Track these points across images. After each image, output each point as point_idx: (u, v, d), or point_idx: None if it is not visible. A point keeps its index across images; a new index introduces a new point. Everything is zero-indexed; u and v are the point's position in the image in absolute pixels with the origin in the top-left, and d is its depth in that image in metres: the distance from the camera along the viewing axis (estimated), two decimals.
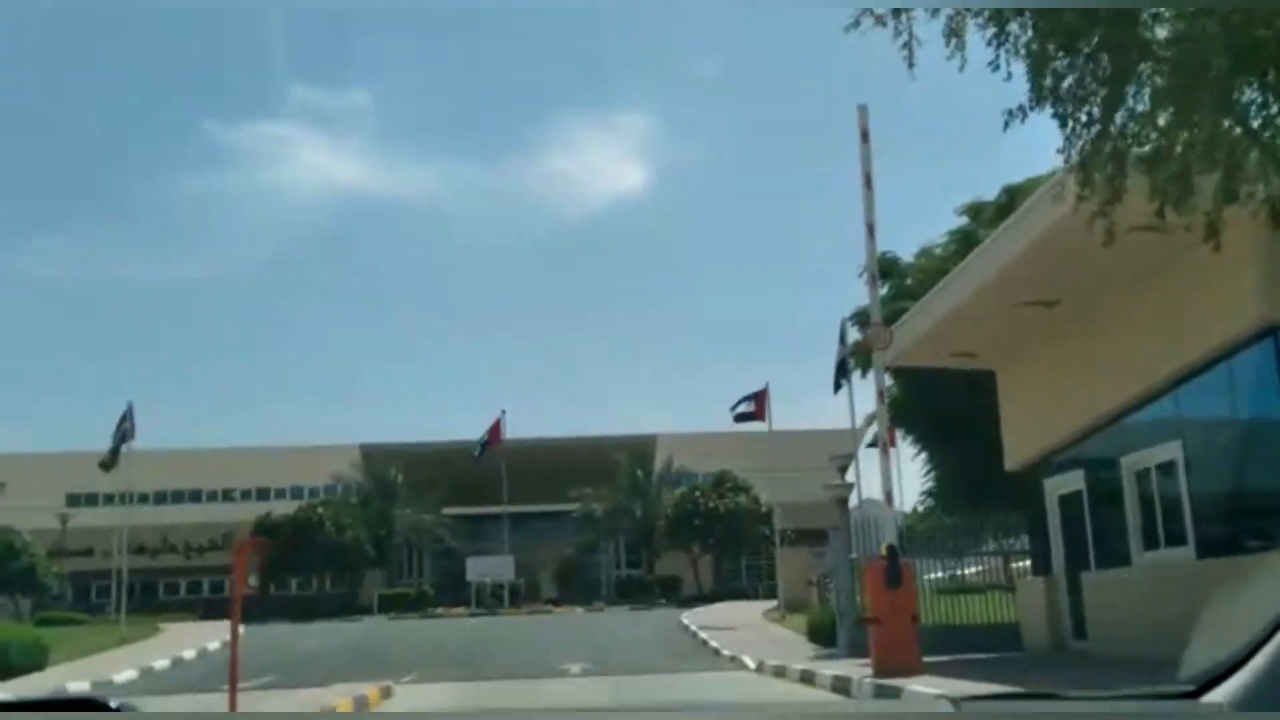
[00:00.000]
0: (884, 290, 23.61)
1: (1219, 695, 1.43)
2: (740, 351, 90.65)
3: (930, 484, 23.62)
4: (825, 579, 28.83)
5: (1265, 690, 1.36)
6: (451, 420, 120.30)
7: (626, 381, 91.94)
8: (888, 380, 24.91)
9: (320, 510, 49.77)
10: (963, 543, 20.65)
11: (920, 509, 24.90)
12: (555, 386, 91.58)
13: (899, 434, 24.13)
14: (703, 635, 24.14)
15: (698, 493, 50.36)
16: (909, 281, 23.42)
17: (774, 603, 36.36)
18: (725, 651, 20.66)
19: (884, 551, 14.41)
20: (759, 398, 28.46)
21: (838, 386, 22.93)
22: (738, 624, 27.09)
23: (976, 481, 20.54)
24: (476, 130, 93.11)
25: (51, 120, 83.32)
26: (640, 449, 55.53)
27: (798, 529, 53.74)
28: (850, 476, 27.85)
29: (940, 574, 20.91)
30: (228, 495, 68.16)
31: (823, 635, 21.30)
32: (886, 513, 18.08)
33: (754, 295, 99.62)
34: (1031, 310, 14.58)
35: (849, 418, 25.33)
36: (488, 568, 48.25)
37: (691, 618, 29.71)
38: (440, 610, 46.17)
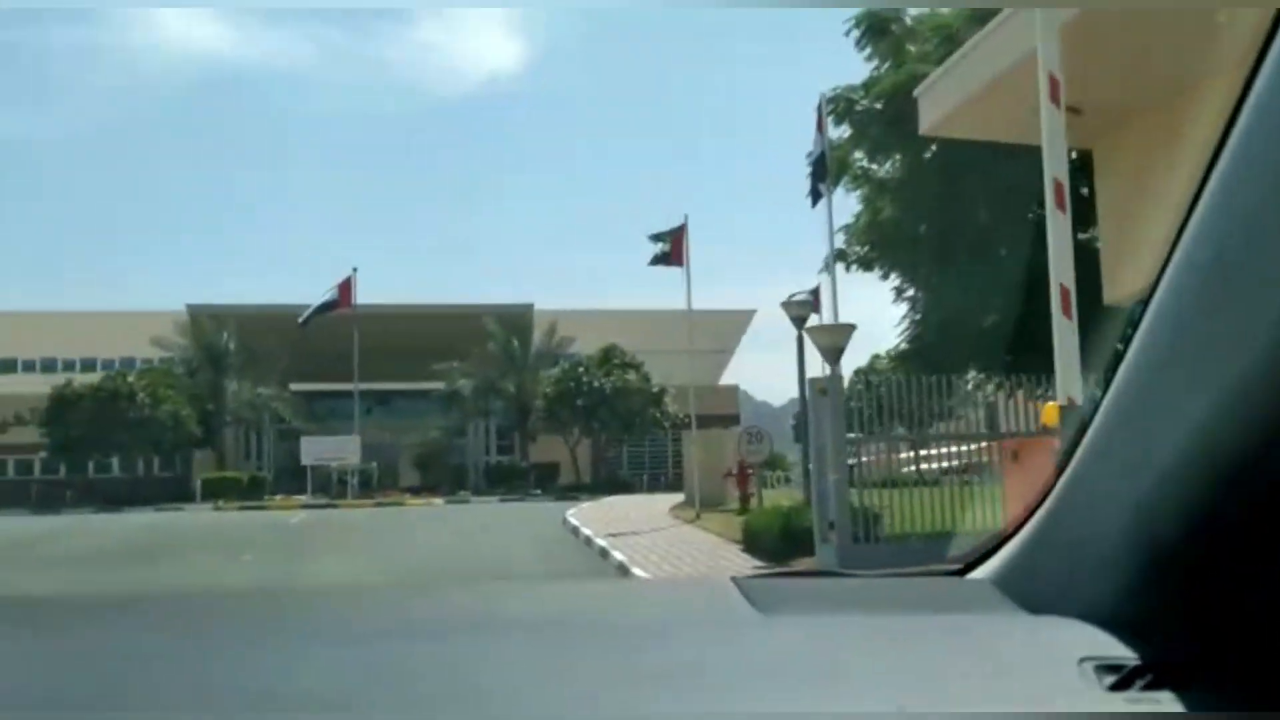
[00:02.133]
0: (877, 63, 17.22)
1: (982, 572, 1.50)
2: (624, 229, 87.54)
3: (909, 340, 17.28)
4: (759, 467, 22.95)
5: (1021, 565, 1.43)
6: (302, 287, 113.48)
7: (500, 251, 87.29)
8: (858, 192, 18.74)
9: (131, 380, 41.78)
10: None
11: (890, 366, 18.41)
12: (418, 252, 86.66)
13: (878, 273, 17.83)
14: (599, 542, 17.91)
15: (581, 369, 43.85)
16: (912, 47, 17.17)
17: (671, 497, 30.56)
18: (636, 570, 14.48)
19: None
20: (676, 236, 21.97)
21: (815, 196, 16.71)
22: (640, 526, 20.96)
23: (996, 333, 14.70)
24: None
25: None
26: (515, 320, 48.58)
27: (689, 415, 48.36)
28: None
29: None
30: (46, 365, 59.95)
31: (765, 543, 15.42)
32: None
33: (641, 169, 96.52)
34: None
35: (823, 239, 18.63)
36: (327, 449, 41.20)
37: (579, 516, 23.45)
38: (274, 499, 39.25)
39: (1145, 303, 1.18)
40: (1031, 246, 14.39)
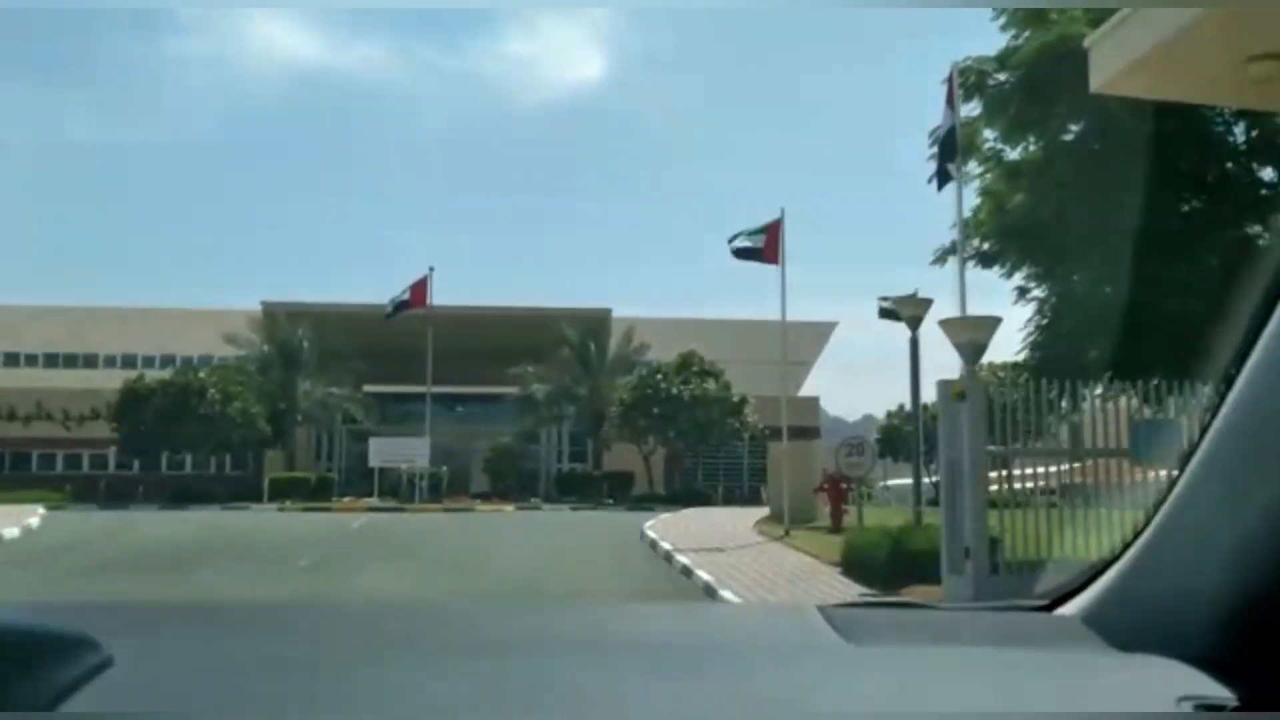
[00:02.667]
0: (1015, 31, 15.41)
1: (1071, 608, 1.48)
2: (703, 240, 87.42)
3: (1035, 346, 15.25)
4: (860, 486, 21.24)
5: (1113, 601, 1.41)
6: (379, 288, 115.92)
7: (579, 257, 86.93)
8: (986, 180, 16.85)
9: (202, 376, 41.11)
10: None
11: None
12: (495, 257, 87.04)
13: (998, 271, 15.84)
14: (681, 559, 16.36)
15: (659, 375, 42.25)
16: (1059, 13, 15.23)
17: (751, 511, 28.92)
18: (725, 594, 12.92)
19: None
20: (771, 230, 20.30)
21: (942, 177, 14.90)
22: (724, 542, 19.38)
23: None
24: (435, 9, 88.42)
25: None
26: (592, 324, 47.18)
27: (770, 426, 46.58)
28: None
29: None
30: (127, 361, 60.26)
31: (869, 568, 13.83)
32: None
33: (725, 183, 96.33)
34: None
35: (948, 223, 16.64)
36: (395, 451, 40.06)
37: (658, 529, 21.91)
38: (343, 501, 38.27)
39: (1255, 334, 1.16)
40: (1189, 241, 12.59)
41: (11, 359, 63.98)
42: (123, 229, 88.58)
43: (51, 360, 64.49)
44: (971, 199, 15.94)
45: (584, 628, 1.55)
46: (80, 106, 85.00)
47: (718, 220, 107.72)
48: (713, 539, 19.58)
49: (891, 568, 13.26)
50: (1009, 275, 15.78)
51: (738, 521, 24.27)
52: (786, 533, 19.85)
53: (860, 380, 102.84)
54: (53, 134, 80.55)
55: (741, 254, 20.55)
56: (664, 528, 22.32)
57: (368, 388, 47.81)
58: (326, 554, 17.64)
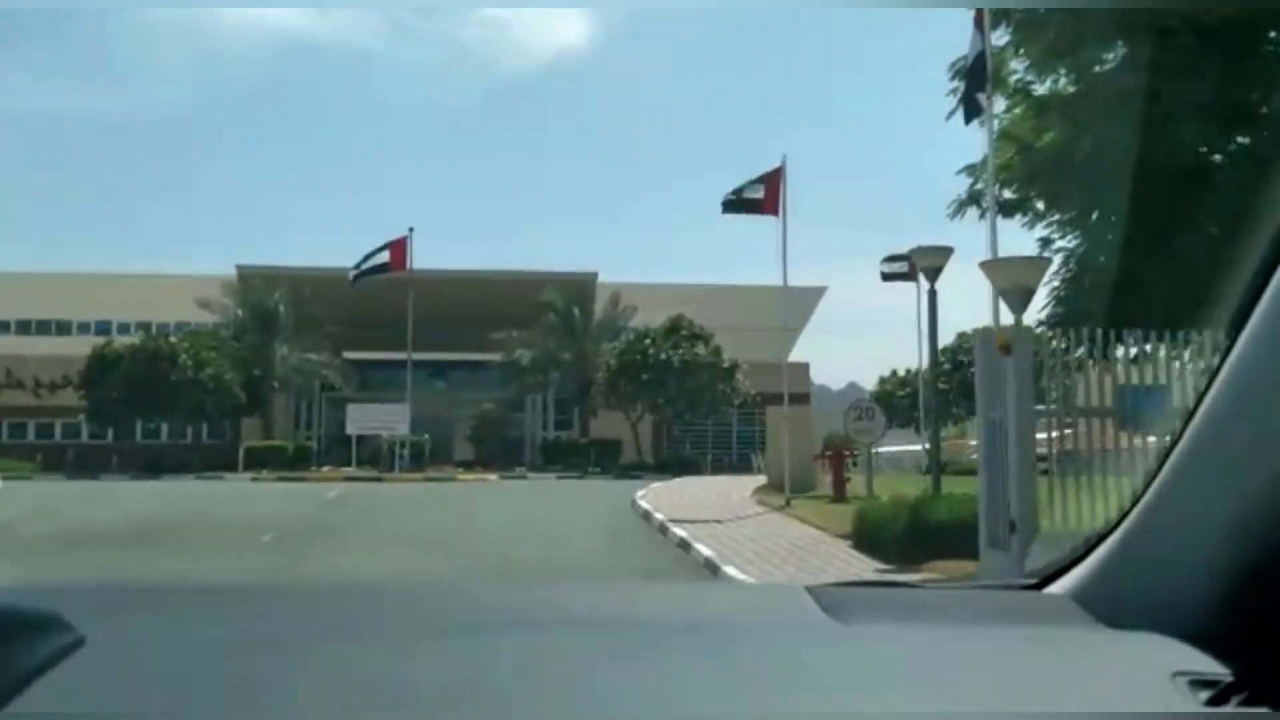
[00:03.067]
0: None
1: (1059, 587, 1.47)
2: (690, 205, 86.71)
3: (1062, 301, 13.86)
4: (864, 448, 20.08)
5: (1101, 582, 1.40)
6: (358, 251, 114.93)
7: (563, 222, 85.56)
8: (1010, 118, 15.48)
9: (173, 341, 39.60)
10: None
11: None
12: (478, 220, 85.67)
13: (1022, 218, 14.40)
14: (677, 531, 15.16)
15: (647, 340, 40.96)
16: None
17: (743, 479, 27.86)
18: (729, 570, 11.72)
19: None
20: (772, 180, 19.00)
21: (971, 110, 13.53)
22: (721, 512, 18.20)
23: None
24: None
25: None
26: (577, 289, 45.83)
27: (761, 393, 45.42)
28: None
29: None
30: (100, 328, 58.65)
31: (883, 541, 12.72)
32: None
33: (712, 147, 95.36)
34: None
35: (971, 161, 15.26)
36: (374, 417, 38.68)
37: (650, 499, 20.71)
38: (321, 471, 37.03)
39: (1248, 308, 1.14)
40: (1246, 179, 11.33)
41: None
42: (94, 195, 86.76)
43: (24, 327, 62.98)
44: (984, 146, 14.65)
45: (566, 606, 1.52)
46: (47, 72, 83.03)
47: (704, 184, 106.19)
48: (709, 509, 18.40)
49: (909, 541, 12.09)
50: (1032, 226, 14.54)
51: (734, 490, 23.12)
52: (787, 502, 18.68)
53: (844, 347, 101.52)
54: (17, 100, 78.66)
55: (738, 206, 19.24)
56: (656, 497, 21.13)
57: (347, 354, 46.47)
58: (293, 527, 16.37)
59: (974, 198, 14.99)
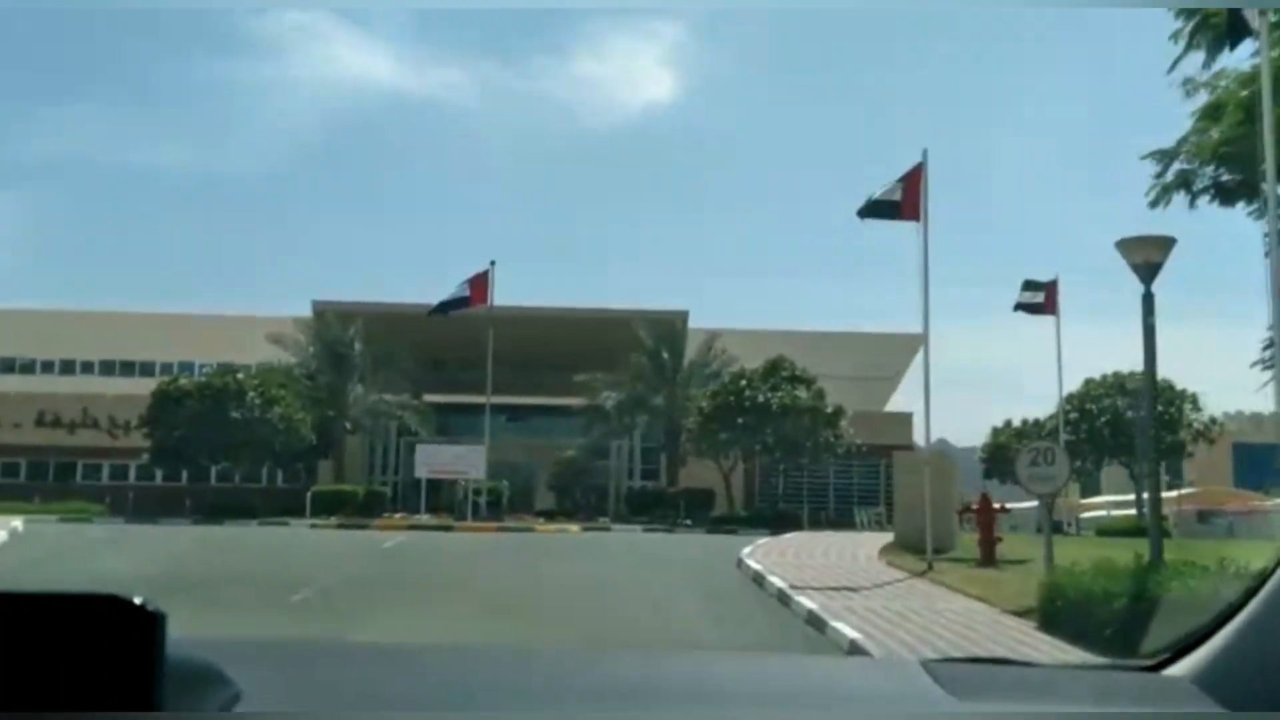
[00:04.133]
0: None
1: (1180, 669, 1.42)
2: (780, 252, 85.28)
3: None
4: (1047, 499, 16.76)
5: (1225, 665, 1.35)
6: (439, 291, 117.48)
7: (650, 263, 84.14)
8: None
9: (240, 378, 37.43)
10: None
11: None
12: (561, 255, 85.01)
13: (1246, 206, 11.12)
14: (803, 602, 11.97)
15: (744, 382, 37.76)
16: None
17: (857, 536, 24.58)
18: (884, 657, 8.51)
19: None
20: (911, 179, 16.80)
21: (1237, 31, 10.49)
22: (850, 577, 14.99)
23: None
24: (505, 30, 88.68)
25: None
26: (667, 328, 42.80)
27: (867, 443, 41.95)
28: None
29: None
30: (184, 368, 57.40)
31: (1084, 620, 9.58)
32: None
33: (790, 204, 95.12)
34: None
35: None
36: (446, 460, 35.84)
37: (759, 558, 17.54)
38: (393, 518, 34.41)
39: None
40: None
41: (67, 366, 62.16)
42: (179, 241, 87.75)
43: (107, 368, 62.25)
44: (1183, 123, 11.46)
45: (660, 678, 1.43)
46: (146, 127, 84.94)
47: (793, 232, 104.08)
48: (835, 574, 15.19)
49: (1133, 623, 8.87)
50: (1260, 214, 11.30)
51: (854, 549, 19.81)
52: (930, 566, 15.38)
53: (938, 401, 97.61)
54: (118, 154, 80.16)
55: (875, 210, 16.78)
56: (766, 556, 17.94)
57: (426, 397, 44.09)
58: (332, 584, 13.53)
59: (1183, 180, 11.82)
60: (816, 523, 36.50)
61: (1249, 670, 1.29)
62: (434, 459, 35.67)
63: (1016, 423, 45.39)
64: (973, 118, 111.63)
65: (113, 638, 0.86)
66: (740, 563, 16.83)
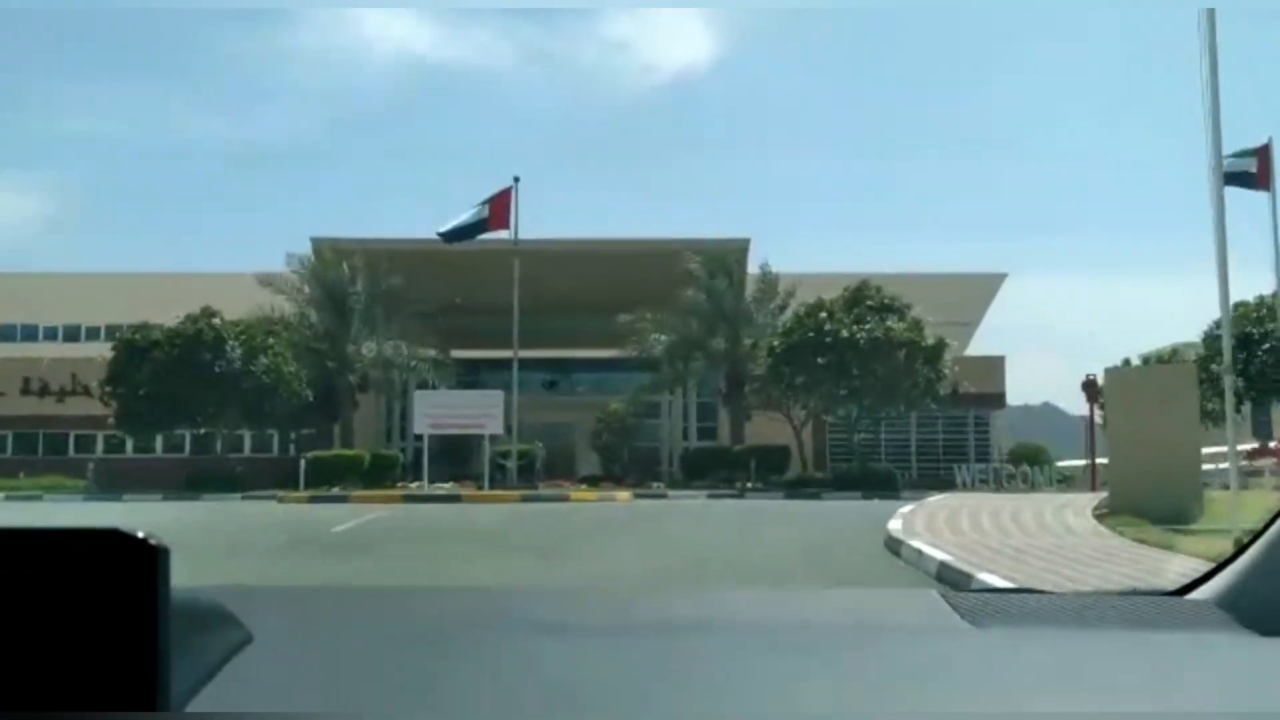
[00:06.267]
0: None
1: (1203, 593, 1.44)
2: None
3: None
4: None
5: (1249, 587, 1.36)
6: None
7: (706, 192, 79.05)
8: None
9: (217, 323, 31.20)
10: None
11: None
12: (602, 185, 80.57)
13: None
14: None
15: (824, 314, 31.05)
16: None
17: (1028, 499, 18.06)
18: None
19: None
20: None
21: None
22: (1075, 564, 8.40)
23: None
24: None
25: None
26: (726, 259, 35.94)
27: (969, 392, 35.53)
28: None
29: None
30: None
31: None
32: None
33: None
34: None
35: None
36: (452, 410, 28.66)
37: (918, 534, 10.92)
38: (409, 487, 28.33)
39: None
40: None
41: (71, 333, 56.77)
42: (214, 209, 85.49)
43: (94, 333, 56.65)
44: None
45: (706, 611, 1.53)
46: (185, 102, 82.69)
47: (845, 186, 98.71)
48: (1048, 558, 8.66)
49: None
50: None
51: (1044, 514, 13.16)
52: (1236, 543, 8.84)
53: (1018, 358, 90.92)
54: (160, 131, 77.20)
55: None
56: (929, 530, 11.34)
57: (456, 352, 37.85)
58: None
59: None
60: (926, 484, 29.94)
61: (1271, 592, 1.29)
62: (435, 409, 28.93)
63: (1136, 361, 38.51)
64: None
65: (115, 573, 0.80)
66: (890, 541, 10.34)
